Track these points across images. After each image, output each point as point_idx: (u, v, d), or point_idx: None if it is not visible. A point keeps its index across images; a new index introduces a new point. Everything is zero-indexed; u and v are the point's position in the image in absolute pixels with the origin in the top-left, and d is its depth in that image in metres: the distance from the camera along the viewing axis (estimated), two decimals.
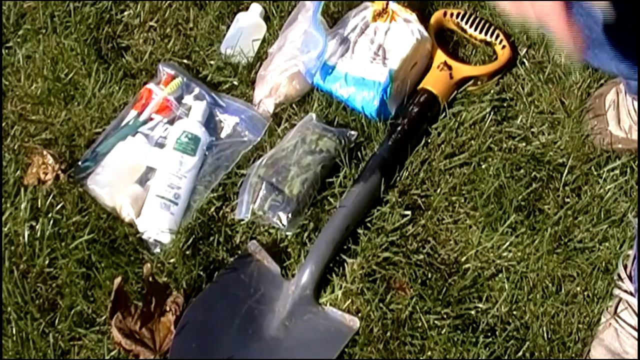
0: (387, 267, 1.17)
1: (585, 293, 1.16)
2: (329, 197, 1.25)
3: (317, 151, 1.25)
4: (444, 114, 1.32)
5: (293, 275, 1.17)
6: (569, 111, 1.33)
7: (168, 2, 1.49)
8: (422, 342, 1.11)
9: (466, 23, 1.42)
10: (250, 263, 1.17)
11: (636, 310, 1.07)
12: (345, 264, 1.18)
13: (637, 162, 1.26)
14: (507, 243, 1.19)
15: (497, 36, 1.41)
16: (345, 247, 1.19)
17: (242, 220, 1.22)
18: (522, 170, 1.27)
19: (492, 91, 1.35)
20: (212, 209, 1.24)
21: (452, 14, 1.43)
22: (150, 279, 1.11)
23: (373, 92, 1.30)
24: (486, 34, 1.41)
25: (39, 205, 1.22)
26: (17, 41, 1.45)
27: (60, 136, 1.32)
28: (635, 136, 1.27)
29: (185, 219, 1.23)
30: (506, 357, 1.10)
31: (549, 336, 1.13)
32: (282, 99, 1.33)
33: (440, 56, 1.38)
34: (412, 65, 1.35)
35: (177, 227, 1.21)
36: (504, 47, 1.39)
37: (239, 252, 1.19)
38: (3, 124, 1.34)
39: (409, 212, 1.22)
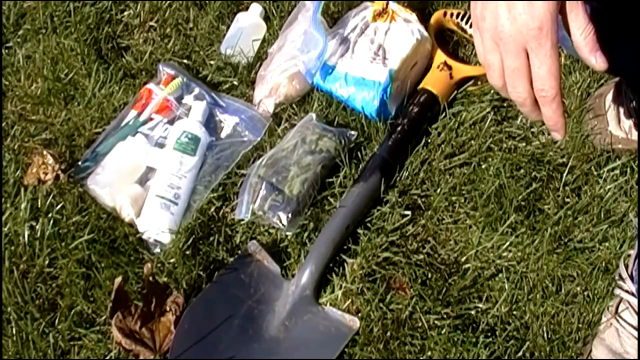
0: (387, 267, 1.17)
1: (585, 293, 1.16)
2: (329, 197, 1.25)
3: (317, 151, 1.25)
4: (444, 114, 1.32)
5: (293, 275, 1.17)
6: (569, 111, 1.33)
7: (168, 2, 1.49)
8: (422, 342, 1.11)
9: (466, 23, 1.42)
10: (250, 263, 1.17)
11: (637, 310, 1.07)
12: (345, 264, 1.18)
13: (637, 162, 1.26)
14: (507, 243, 1.19)
15: None
16: (345, 247, 1.19)
17: (242, 220, 1.22)
18: (522, 170, 1.27)
19: (492, 91, 1.35)
20: (212, 209, 1.24)
21: (452, 14, 1.43)
22: (151, 279, 1.11)
23: (373, 92, 1.30)
24: None
25: (39, 205, 1.22)
26: (17, 41, 1.46)
27: (60, 136, 1.32)
28: (635, 136, 1.27)
29: (185, 219, 1.23)
30: (506, 357, 1.10)
31: (549, 336, 1.13)
32: (282, 99, 1.33)
33: (440, 56, 1.38)
34: (412, 65, 1.35)
35: (177, 227, 1.21)
36: None
37: (239, 252, 1.19)
38: (3, 124, 1.34)
39: (409, 212, 1.22)
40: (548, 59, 0.69)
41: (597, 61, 0.71)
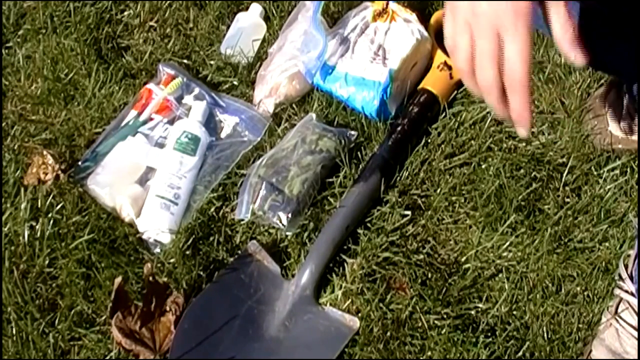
0: (387, 267, 1.17)
1: (585, 293, 1.16)
2: (329, 197, 1.25)
3: (317, 151, 1.25)
4: (444, 114, 1.32)
5: (293, 275, 1.17)
6: (569, 111, 1.33)
7: (168, 2, 1.49)
8: (422, 342, 1.11)
9: None
10: (250, 263, 1.17)
11: (637, 311, 1.07)
12: (345, 264, 1.18)
13: (637, 162, 1.26)
14: (507, 243, 1.19)
15: None
16: (345, 247, 1.19)
17: (242, 220, 1.22)
18: (522, 170, 1.27)
19: None
20: (212, 209, 1.24)
21: None
22: (150, 279, 1.11)
23: (373, 92, 1.30)
24: None
25: (39, 205, 1.22)
26: (17, 41, 1.45)
27: (60, 136, 1.32)
28: (635, 136, 1.27)
29: (185, 219, 1.23)
30: (506, 357, 1.10)
31: (549, 336, 1.13)
32: (282, 99, 1.33)
33: (440, 56, 1.38)
34: (412, 65, 1.35)
35: (177, 227, 1.21)
36: None
37: (239, 252, 1.19)
38: (3, 124, 1.34)
39: (409, 212, 1.22)
40: (521, 43, 0.68)
41: (575, 57, 0.70)
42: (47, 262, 1.18)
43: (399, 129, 1.28)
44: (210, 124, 1.33)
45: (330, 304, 1.15)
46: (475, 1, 0.69)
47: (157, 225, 1.20)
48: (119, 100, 1.35)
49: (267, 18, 1.45)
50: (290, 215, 1.20)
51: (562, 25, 0.70)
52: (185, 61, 1.41)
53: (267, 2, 1.46)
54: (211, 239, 1.21)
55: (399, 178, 1.26)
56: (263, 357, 1.11)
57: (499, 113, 0.73)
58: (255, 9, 1.44)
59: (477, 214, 1.22)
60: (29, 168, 1.27)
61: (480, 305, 1.15)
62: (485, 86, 0.71)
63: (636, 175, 1.25)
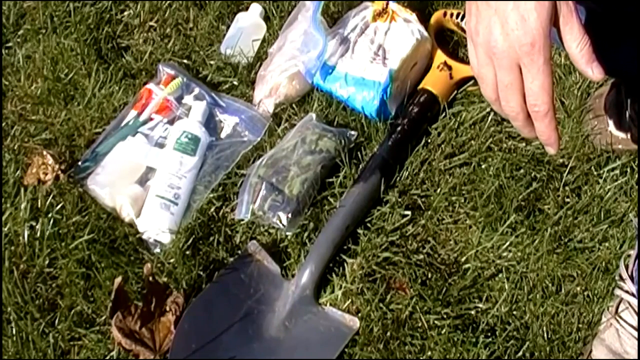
0: (387, 267, 1.17)
1: (585, 293, 1.16)
2: (329, 197, 1.25)
3: (317, 151, 1.25)
4: (444, 114, 1.32)
5: (293, 275, 1.17)
6: (569, 111, 1.33)
7: (168, 2, 1.49)
8: (422, 342, 1.11)
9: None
10: (250, 263, 1.17)
11: (637, 311, 1.07)
12: (345, 264, 1.18)
13: (637, 162, 1.26)
14: (507, 243, 1.19)
15: None
16: (345, 247, 1.19)
17: (242, 220, 1.22)
18: (522, 170, 1.27)
19: None
20: (212, 209, 1.24)
21: (452, 14, 1.43)
22: (150, 279, 1.11)
23: (373, 92, 1.30)
24: None
25: (39, 205, 1.22)
26: (17, 41, 1.46)
27: (60, 136, 1.32)
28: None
29: (185, 219, 1.23)
30: (506, 357, 1.10)
31: (549, 336, 1.13)
32: (282, 99, 1.33)
33: (440, 56, 1.38)
34: (412, 65, 1.35)
35: (177, 227, 1.21)
36: None
37: (239, 252, 1.19)
38: (3, 124, 1.34)
39: (409, 212, 1.22)
40: (541, 75, 0.69)
41: (593, 72, 0.71)
42: (47, 262, 1.18)
43: (399, 129, 1.28)
44: (210, 124, 1.33)
45: (330, 304, 1.15)
46: (492, 37, 0.70)
47: (157, 225, 1.20)
48: (119, 100, 1.35)
49: (267, 18, 1.45)
50: (290, 215, 1.20)
51: (577, 43, 0.70)
52: (185, 61, 1.41)
53: (267, 2, 1.46)
54: (211, 239, 1.21)
55: (399, 178, 1.26)
56: (263, 357, 1.11)
57: (527, 136, 0.75)
58: (255, 9, 1.45)
59: (477, 214, 1.22)
60: (29, 168, 1.27)
61: (480, 305, 1.15)
62: (511, 114, 0.74)
63: (636, 175, 1.25)
